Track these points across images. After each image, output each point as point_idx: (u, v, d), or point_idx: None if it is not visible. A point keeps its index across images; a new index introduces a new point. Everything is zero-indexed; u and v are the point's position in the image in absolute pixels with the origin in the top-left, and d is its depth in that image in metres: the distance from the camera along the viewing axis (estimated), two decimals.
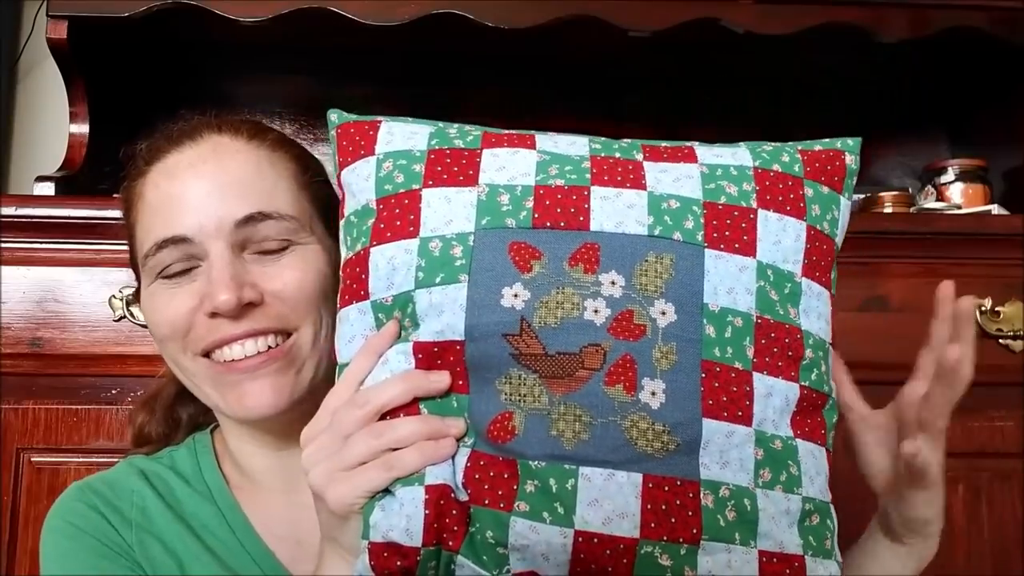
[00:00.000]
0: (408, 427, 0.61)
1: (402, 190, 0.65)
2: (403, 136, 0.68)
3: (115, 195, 1.27)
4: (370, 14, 1.27)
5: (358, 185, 0.67)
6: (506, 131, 0.69)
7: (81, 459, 1.10)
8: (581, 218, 0.62)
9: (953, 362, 0.63)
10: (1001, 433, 1.17)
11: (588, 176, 0.64)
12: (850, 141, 0.71)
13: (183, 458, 0.82)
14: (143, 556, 0.73)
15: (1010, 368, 1.17)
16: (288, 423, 0.75)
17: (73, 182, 1.27)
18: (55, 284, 1.12)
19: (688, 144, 0.70)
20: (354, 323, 0.65)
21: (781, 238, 0.65)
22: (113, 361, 1.12)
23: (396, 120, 0.70)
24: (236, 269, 0.72)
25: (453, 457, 0.62)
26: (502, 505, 0.59)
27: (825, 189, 0.68)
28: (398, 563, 0.60)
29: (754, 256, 0.63)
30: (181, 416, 0.87)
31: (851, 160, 0.70)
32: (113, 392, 1.12)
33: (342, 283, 0.66)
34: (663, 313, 0.60)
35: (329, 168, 0.78)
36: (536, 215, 0.62)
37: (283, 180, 0.77)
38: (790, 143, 0.71)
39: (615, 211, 0.62)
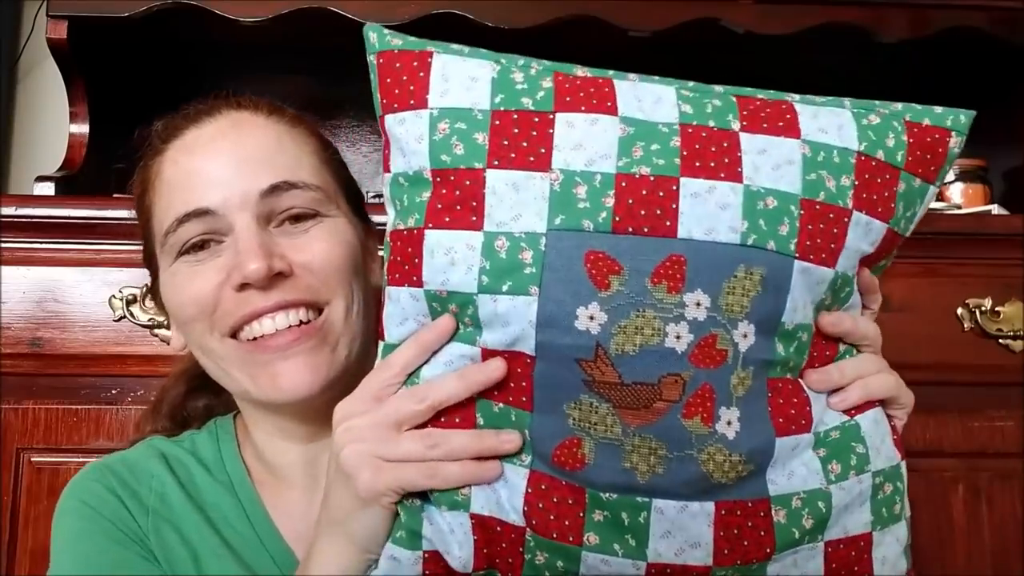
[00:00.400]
0: (461, 441, 0.58)
1: (463, 166, 0.58)
2: (461, 84, 0.59)
3: (116, 195, 1.27)
4: (370, 14, 1.27)
5: (408, 144, 0.60)
6: (579, 72, 0.61)
7: (81, 459, 1.10)
8: (668, 222, 0.55)
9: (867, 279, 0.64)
10: (1001, 433, 1.17)
11: (678, 161, 0.57)
12: (963, 117, 0.65)
13: (204, 443, 0.79)
14: (157, 544, 0.71)
15: (1010, 368, 1.17)
16: (318, 409, 0.71)
17: (73, 182, 1.27)
18: (55, 284, 1.12)
19: (787, 100, 0.62)
20: (406, 306, 0.60)
21: (861, 245, 0.61)
22: (113, 361, 1.12)
23: (450, 53, 0.61)
24: (264, 239, 0.69)
25: (508, 478, 0.58)
26: (571, 539, 0.56)
27: (918, 182, 0.63)
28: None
29: (834, 268, 0.59)
30: (195, 409, 0.85)
31: (955, 143, 0.65)
32: (113, 392, 1.12)
33: (390, 254, 0.61)
34: (745, 336, 0.56)
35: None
36: (617, 217, 0.55)
37: (305, 154, 0.75)
38: (900, 108, 0.64)
39: (706, 213, 0.56)
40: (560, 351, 0.55)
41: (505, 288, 0.56)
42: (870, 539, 0.60)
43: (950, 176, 1.41)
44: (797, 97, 0.64)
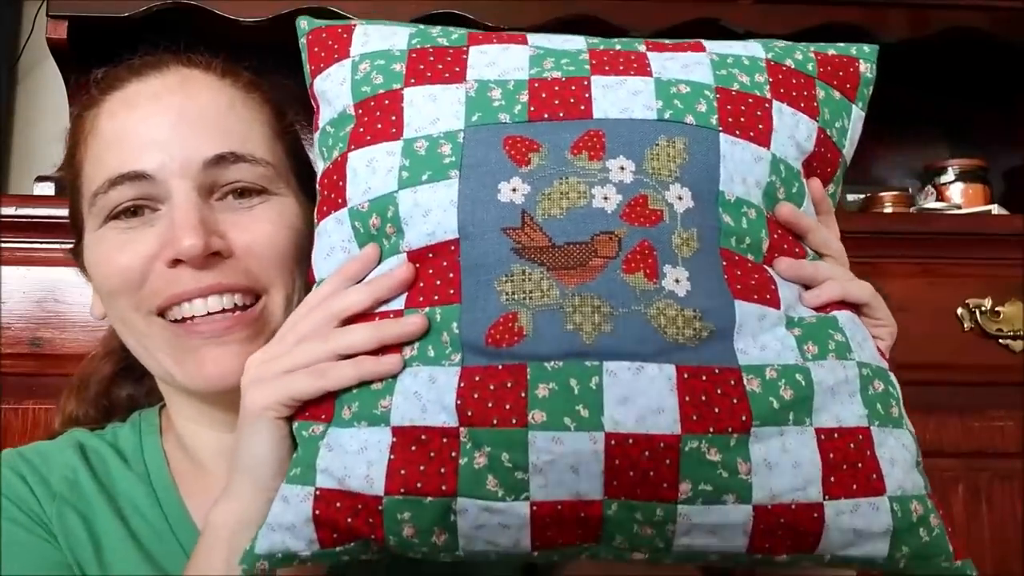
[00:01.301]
0: (360, 333, 0.54)
1: (382, 91, 0.60)
2: (381, 37, 0.63)
3: None
4: (370, 14, 1.27)
5: (333, 91, 0.62)
6: (494, 34, 0.65)
7: None
8: (582, 107, 0.57)
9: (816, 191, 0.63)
10: (1001, 433, 1.17)
11: (587, 67, 0.60)
12: (866, 48, 0.67)
13: (126, 436, 0.74)
14: (60, 529, 0.67)
15: (1010, 368, 1.17)
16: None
17: None
18: (55, 284, 1.12)
19: (699, 40, 0.65)
20: (331, 234, 0.60)
21: (794, 133, 0.61)
22: None
23: (372, 23, 0.65)
24: (203, 213, 0.64)
25: (436, 379, 0.53)
26: (514, 421, 0.51)
27: (837, 94, 0.65)
28: (350, 519, 0.53)
29: (769, 147, 0.59)
30: (119, 398, 0.80)
31: (866, 68, 0.66)
32: None
33: (319, 196, 0.61)
34: (679, 198, 0.55)
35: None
36: (532, 108, 0.57)
37: (258, 123, 0.70)
38: (806, 44, 0.67)
39: (619, 99, 0.58)
40: (484, 224, 0.55)
41: (425, 178, 0.56)
42: (869, 434, 0.55)
43: (950, 176, 1.42)
44: (706, 41, 0.66)
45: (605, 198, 0.54)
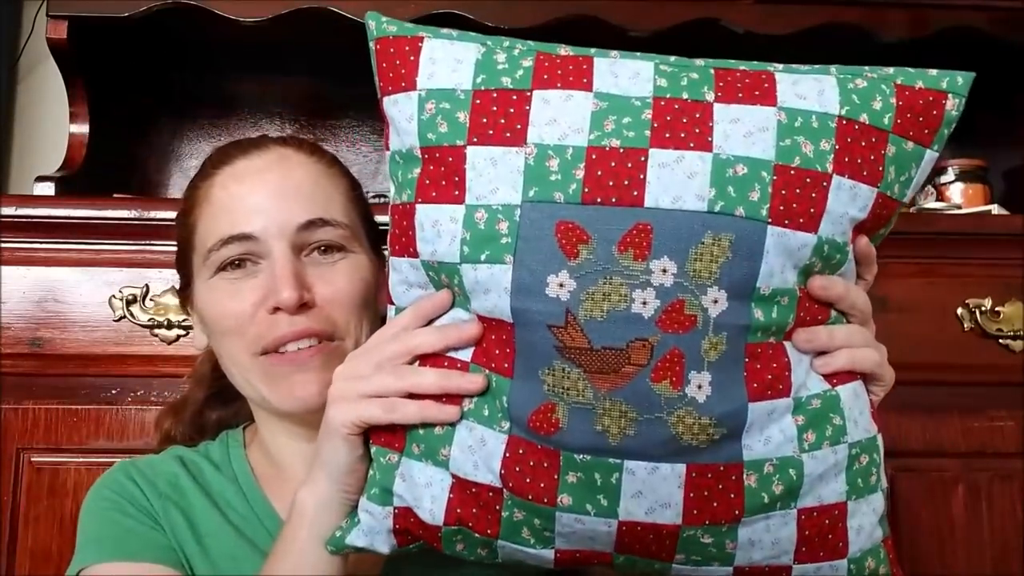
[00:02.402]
0: (429, 377, 0.65)
1: (446, 144, 0.62)
2: (447, 66, 0.63)
3: (115, 195, 1.27)
4: None
5: (401, 123, 0.65)
6: (562, 51, 0.64)
7: (81, 459, 1.10)
8: (635, 192, 0.57)
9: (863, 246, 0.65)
10: (1001, 433, 1.17)
11: (647, 133, 0.59)
12: (960, 79, 0.63)
13: (216, 449, 0.88)
14: (166, 520, 0.80)
15: (1010, 368, 1.17)
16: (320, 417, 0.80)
17: (73, 182, 1.27)
18: (55, 284, 1.12)
19: (768, 69, 0.63)
20: (408, 275, 0.67)
21: (848, 209, 0.60)
22: (113, 361, 1.12)
23: (439, 36, 0.65)
24: (296, 268, 0.77)
25: (487, 442, 0.62)
26: (545, 500, 0.60)
27: (910, 145, 0.62)
28: (420, 532, 0.65)
29: (816, 232, 0.59)
30: (210, 419, 0.93)
31: (953, 105, 0.63)
32: (113, 392, 1.12)
33: (391, 227, 0.67)
34: (715, 302, 0.57)
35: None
36: (586, 189, 0.58)
37: (338, 193, 0.83)
38: (891, 72, 0.64)
39: (673, 182, 0.57)
40: (534, 317, 0.59)
41: (483, 257, 0.60)
42: (845, 508, 0.62)
43: (950, 176, 1.41)
44: (780, 66, 0.64)
45: (644, 303, 0.57)
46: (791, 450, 0.60)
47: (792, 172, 0.58)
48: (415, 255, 0.64)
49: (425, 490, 0.64)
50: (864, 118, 0.61)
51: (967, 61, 1.46)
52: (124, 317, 1.11)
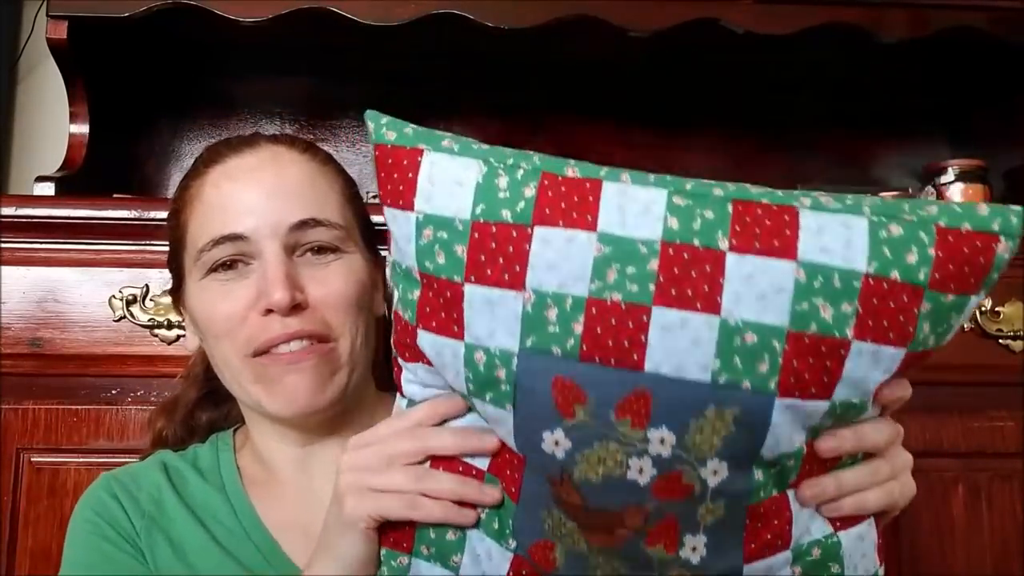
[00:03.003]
0: (446, 483, 0.64)
1: (444, 276, 0.59)
2: (445, 189, 0.59)
3: (115, 195, 1.27)
4: (370, 14, 1.27)
5: (400, 240, 0.62)
6: (569, 172, 0.59)
7: (81, 459, 1.10)
8: (635, 355, 0.53)
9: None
10: (1001, 433, 1.17)
11: (652, 287, 0.54)
12: (1013, 218, 0.55)
13: (204, 454, 0.86)
14: (147, 544, 0.78)
15: (1010, 368, 1.17)
16: (316, 421, 0.81)
17: (73, 182, 1.27)
18: (55, 284, 1.12)
19: (792, 205, 0.56)
20: (424, 377, 0.65)
21: (868, 373, 0.55)
22: (113, 361, 1.12)
23: (440, 150, 0.61)
24: (288, 269, 0.76)
25: (494, 558, 0.62)
26: None
27: (951, 298, 0.55)
28: None
29: (829, 399, 0.55)
30: (200, 420, 0.92)
31: (1004, 248, 0.55)
32: (113, 392, 1.12)
33: (396, 331, 0.65)
34: (714, 473, 0.55)
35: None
36: (584, 346, 0.54)
37: (332, 192, 0.81)
38: (934, 212, 0.55)
39: (676, 348, 0.53)
40: (535, 464, 0.58)
41: (488, 398, 0.59)
42: None
43: (950, 176, 1.42)
44: (808, 202, 0.56)
45: (640, 471, 0.55)
46: None
47: (807, 340, 0.53)
48: (430, 363, 0.63)
49: None
50: (895, 275, 0.54)
51: (967, 61, 1.47)
52: (124, 317, 1.11)
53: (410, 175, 0.61)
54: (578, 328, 0.55)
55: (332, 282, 0.78)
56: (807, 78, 1.56)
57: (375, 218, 0.86)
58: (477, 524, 0.63)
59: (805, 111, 1.61)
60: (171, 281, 0.86)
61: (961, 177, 1.41)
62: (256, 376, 0.78)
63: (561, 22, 1.29)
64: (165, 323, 1.11)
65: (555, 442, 0.56)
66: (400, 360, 0.67)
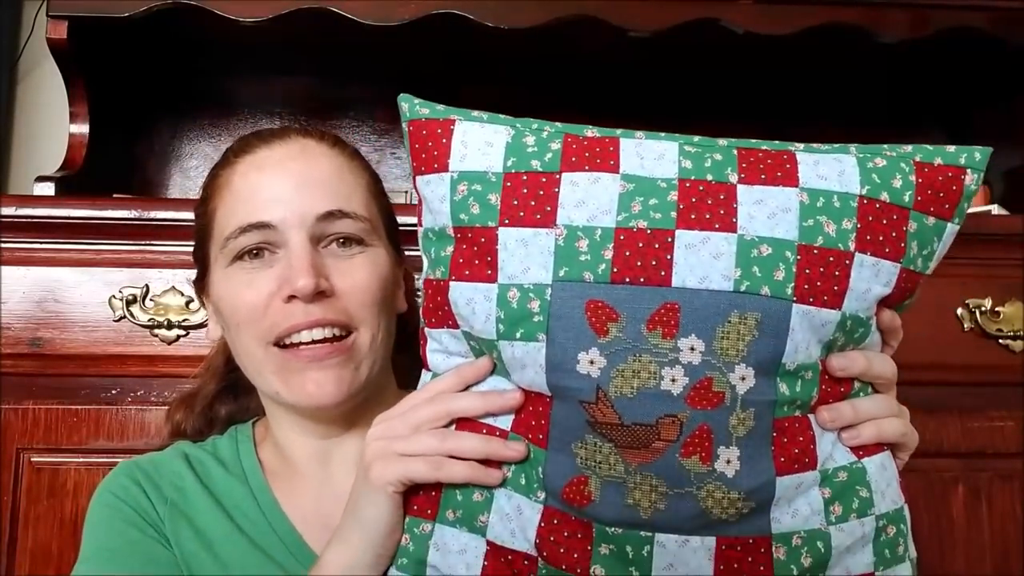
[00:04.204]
0: (471, 442, 0.65)
1: (478, 225, 0.63)
2: (478, 149, 0.65)
3: (115, 195, 1.27)
4: (370, 14, 1.27)
5: (434, 203, 0.66)
6: (588, 132, 0.66)
7: (81, 459, 1.10)
8: (662, 272, 0.58)
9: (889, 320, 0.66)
10: (1001, 433, 1.17)
11: (673, 214, 0.60)
12: (977, 154, 0.65)
13: (224, 445, 0.87)
14: (171, 530, 0.79)
15: (1010, 368, 1.17)
16: (336, 415, 0.82)
17: (73, 182, 1.27)
18: (55, 284, 1.12)
19: (789, 149, 0.64)
20: (448, 344, 0.68)
21: (871, 285, 0.61)
22: (113, 361, 1.12)
23: (470, 119, 0.66)
24: (314, 258, 0.77)
25: (524, 511, 0.63)
26: (579, 570, 0.61)
27: (931, 220, 0.64)
28: None
29: (840, 308, 0.60)
30: (219, 413, 0.92)
31: (972, 180, 0.65)
32: (113, 392, 1.12)
33: (425, 299, 0.68)
34: (743, 379, 0.59)
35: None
36: (615, 269, 0.59)
37: (359, 186, 0.82)
38: (909, 150, 0.65)
39: (700, 263, 0.58)
40: (567, 393, 0.60)
41: (519, 335, 0.61)
42: None
43: None
44: (801, 146, 0.64)
45: (673, 380, 0.58)
46: (818, 523, 0.61)
47: (815, 252, 0.59)
48: (455, 326, 0.66)
49: (459, 557, 0.64)
50: (885, 196, 0.62)
51: (967, 61, 1.48)
52: (124, 317, 1.11)
53: (444, 140, 0.65)
54: (608, 254, 0.59)
55: (356, 274, 0.79)
56: (807, 78, 1.56)
57: (400, 218, 0.88)
58: (503, 483, 0.64)
59: (805, 111, 1.61)
60: (196, 272, 0.87)
61: None
62: (277, 367, 0.78)
63: (561, 22, 1.29)
64: (165, 323, 1.11)
65: (590, 361, 0.59)
66: (427, 330, 0.69)
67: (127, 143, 1.54)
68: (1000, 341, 1.17)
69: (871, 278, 0.61)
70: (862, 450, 0.64)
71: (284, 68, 1.56)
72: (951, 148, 0.65)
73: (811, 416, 0.62)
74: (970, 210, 1.37)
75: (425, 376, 0.71)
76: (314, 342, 0.77)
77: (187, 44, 1.46)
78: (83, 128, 1.33)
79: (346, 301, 0.78)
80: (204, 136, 1.60)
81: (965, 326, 1.17)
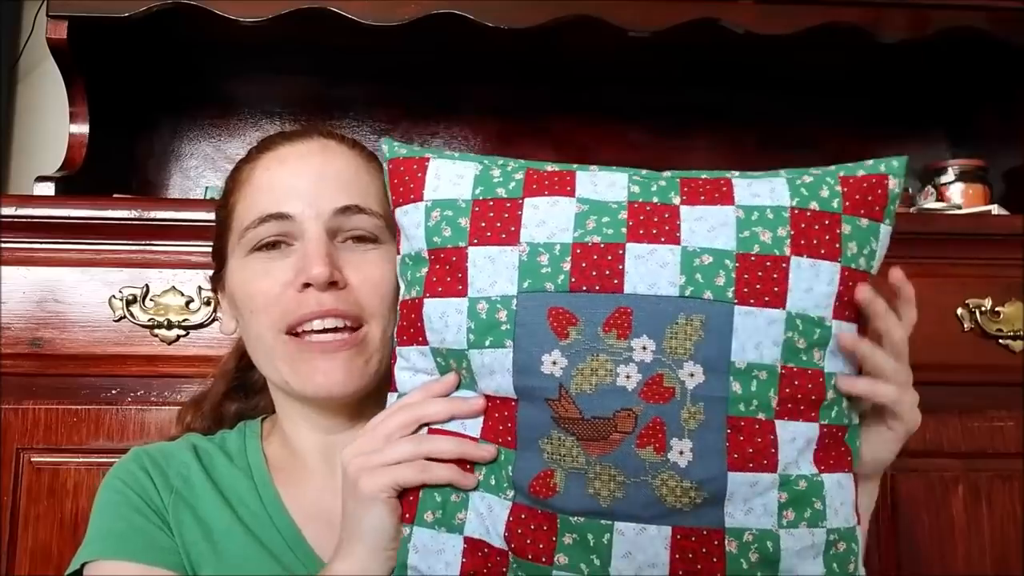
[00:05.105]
0: (446, 444, 0.69)
1: (450, 245, 0.69)
2: (449, 181, 0.71)
3: (115, 195, 1.27)
4: (370, 14, 1.27)
5: (410, 230, 0.71)
6: (548, 167, 0.71)
7: (81, 459, 1.10)
8: (615, 280, 0.64)
9: (897, 280, 0.70)
10: (1001, 433, 1.17)
11: (624, 230, 0.66)
12: (895, 162, 0.70)
13: (232, 439, 0.89)
14: (175, 519, 0.80)
15: (1010, 368, 1.17)
16: (343, 407, 0.84)
17: (73, 182, 1.27)
18: (55, 284, 1.12)
19: (726, 176, 0.70)
20: (415, 361, 0.72)
21: (813, 285, 0.65)
22: (113, 361, 1.12)
23: (443, 157, 0.73)
24: (329, 249, 0.79)
25: (494, 509, 0.67)
26: (544, 560, 0.65)
27: (864, 222, 0.68)
28: None
29: (783, 307, 0.65)
30: (228, 410, 0.94)
31: (895, 184, 0.70)
32: (113, 392, 1.12)
33: (399, 320, 0.73)
34: (691, 375, 0.63)
35: None
36: (573, 279, 0.65)
37: (374, 186, 0.84)
38: (833, 168, 0.70)
39: (648, 271, 0.64)
40: (533, 392, 0.65)
41: (487, 343, 0.66)
42: None
43: (950, 176, 1.42)
44: (736, 173, 0.71)
45: (627, 376, 0.63)
46: (770, 524, 0.64)
47: (753, 259, 0.65)
48: (424, 343, 0.70)
49: (438, 556, 0.68)
50: (814, 205, 0.67)
51: (967, 61, 1.48)
52: (124, 317, 1.11)
53: (419, 175, 0.72)
54: (566, 266, 0.65)
55: (369, 269, 0.81)
56: (807, 78, 1.56)
57: None
58: (477, 486, 0.68)
59: (805, 111, 1.61)
60: (213, 269, 0.89)
61: (961, 177, 1.41)
62: (288, 355, 0.80)
63: (561, 22, 1.29)
64: (165, 323, 1.11)
65: (553, 362, 0.64)
66: (398, 348, 0.73)
67: (127, 143, 1.54)
68: (1000, 341, 1.17)
69: (811, 278, 0.65)
70: (823, 465, 0.67)
71: (284, 68, 1.56)
72: (870, 161, 0.70)
73: (778, 422, 0.65)
74: (970, 210, 1.38)
75: (391, 398, 0.74)
76: (325, 331, 0.79)
77: (187, 44, 1.46)
78: (83, 128, 1.33)
79: (358, 294, 0.80)
80: (204, 136, 1.60)
81: (965, 326, 1.17)
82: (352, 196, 0.81)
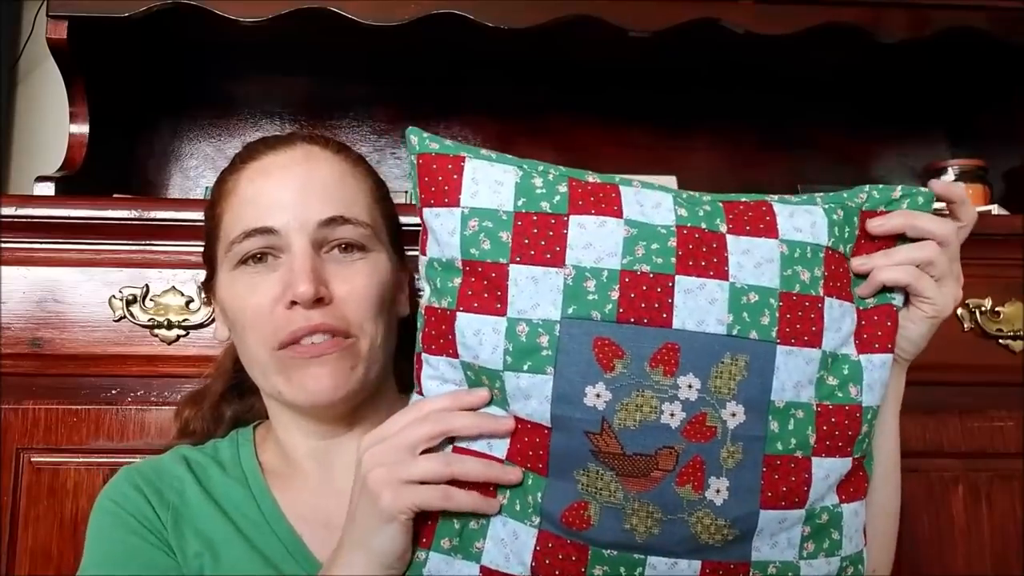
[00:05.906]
0: (474, 466, 0.67)
1: (489, 260, 0.66)
2: (488, 187, 0.68)
3: (115, 195, 1.27)
4: (370, 14, 1.27)
5: (443, 235, 0.68)
6: (589, 178, 0.69)
7: (81, 459, 1.10)
8: (664, 315, 0.64)
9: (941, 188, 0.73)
10: (1001, 433, 1.17)
11: (673, 260, 0.65)
12: (920, 198, 0.72)
13: (225, 448, 0.88)
14: (174, 536, 0.80)
15: (1010, 368, 1.17)
16: (336, 415, 0.83)
17: (73, 182, 1.27)
18: (55, 284, 1.12)
19: (766, 201, 0.70)
20: (445, 372, 0.69)
21: (841, 325, 0.68)
22: (113, 361, 1.12)
23: (480, 157, 0.69)
24: (315, 263, 0.78)
25: (519, 536, 0.66)
26: None
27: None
28: None
29: (820, 347, 0.66)
30: (225, 413, 0.94)
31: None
32: (113, 392, 1.12)
33: (425, 326, 0.70)
34: (733, 415, 0.64)
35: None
36: (621, 309, 0.64)
37: (362, 192, 0.84)
38: (864, 198, 0.72)
39: (697, 307, 0.64)
40: (572, 424, 0.64)
41: (526, 367, 0.64)
42: None
43: (950, 176, 1.42)
44: (775, 198, 0.71)
45: (672, 414, 0.63)
46: (792, 556, 0.66)
47: (795, 298, 0.66)
48: (455, 355, 0.68)
49: None
50: (841, 249, 0.70)
51: (967, 61, 1.47)
52: (124, 317, 1.11)
53: (455, 176, 0.68)
54: (614, 295, 0.64)
55: (356, 280, 0.80)
56: (807, 78, 1.56)
57: (402, 218, 0.89)
58: (499, 510, 0.67)
59: (805, 111, 1.61)
60: (204, 273, 0.89)
61: (961, 177, 1.41)
62: (280, 367, 0.80)
63: (561, 22, 1.29)
64: (165, 323, 1.11)
65: (596, 395, 0.63)
66: (424, 355, 0.70)
67: (127, 143, 1.54)
68: (1000, 341, 1.17)
69: (839, 318, 0.68)
70: (844, 495, 0.68)
71: (284, 68, 1.56)
72: (898, 191, 0.72)
73: (815, 459, 0.66)
74: None
75: (415, 398, 0.72)
76: (314, 345, 0.78)
77: (187, 44, 1.46)
78: (83, 128, 1.32)
79: (344, 308, 0.79)
80: (204, 136, 1.60)
81: (965, 326, 1.17)
82: (337, 206, 0.80)
